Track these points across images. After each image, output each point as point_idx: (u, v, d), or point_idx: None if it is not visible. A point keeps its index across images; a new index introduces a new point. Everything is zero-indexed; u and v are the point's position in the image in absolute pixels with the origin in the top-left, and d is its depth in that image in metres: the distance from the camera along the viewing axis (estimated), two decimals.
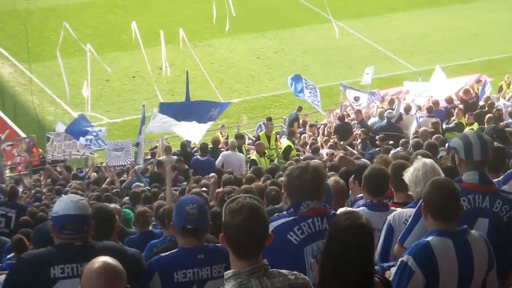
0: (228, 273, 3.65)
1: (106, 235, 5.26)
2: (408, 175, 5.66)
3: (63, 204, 4.68)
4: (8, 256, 8.58)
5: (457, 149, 5.26)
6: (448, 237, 4.31)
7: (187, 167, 18.04)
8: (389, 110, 20.62)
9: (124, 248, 5.12)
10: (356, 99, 24.93)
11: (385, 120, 19.94)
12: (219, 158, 17.87)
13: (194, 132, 16.88)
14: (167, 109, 16.61)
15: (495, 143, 7.01)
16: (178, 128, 16.15)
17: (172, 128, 16.38)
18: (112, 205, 9.38)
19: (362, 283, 3.86)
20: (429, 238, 4.31)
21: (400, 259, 4.36)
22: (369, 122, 21.35)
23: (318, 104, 23.92)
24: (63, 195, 15.37)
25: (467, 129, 16.34)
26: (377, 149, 16.42)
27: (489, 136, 8.74)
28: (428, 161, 5.70)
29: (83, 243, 4.63)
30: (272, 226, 4.19)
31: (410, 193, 5.80)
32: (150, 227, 9.39)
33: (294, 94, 24.88)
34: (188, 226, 4.76)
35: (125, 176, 20.04)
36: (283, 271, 3.71)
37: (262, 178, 11.88)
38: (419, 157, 5.92)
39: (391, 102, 22.66)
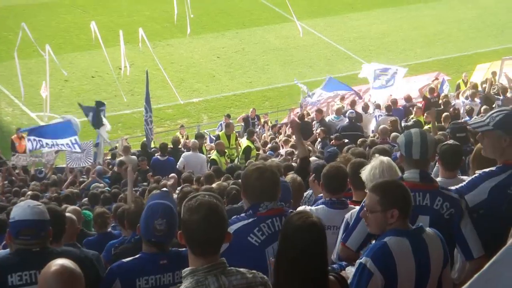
0: (185, 270, 3.64)
1: (57, 236, 5.22)
2: (365, 173, 5.69)
3: (19, 210, 4.63)
4: None
5: (399, 145, 5.33)
6: (405, 236, 4.31)
7: (147, 167, 18.01)
8: (351, 110, 20.69)
9: (83, 252, 5.07)
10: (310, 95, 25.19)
11: (347, 120, 19.99)
12: (181, 159, 17.82)
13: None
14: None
15: (452, 141, 7.09)
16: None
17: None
18: (72, 207, 9.31)
19: (317, 282, 3.89)
20: (386, 239, 4.29)
21: (358, 261, 4.34)
22: (326, 120, 21.37)
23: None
24: (21, 198, 15.23)
25: (426, 127, 16.46)
26: (335, 147, 16.50)
27: (451, 135, 8.86)
28: (385, 159, 5.73)
29: (41, 249, 4.58)
30: (231, 229, 4.18)
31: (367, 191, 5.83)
32: (109, 229, 9.32)
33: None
34: (153, 240, 4.74)
35: (84, 177, 19.87)
36: (241, 269, 3.70)
37: (222, 178, 11.85)
38: (376, 155, 5.94)
39: (353, 103, 22.74)
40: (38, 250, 4.55)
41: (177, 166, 17.56)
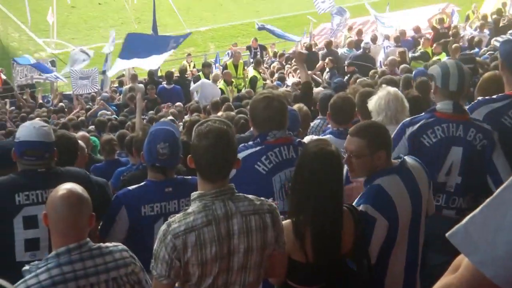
0: (194, 194, 3.66)
1: (69, 163, 5.24)
2: (371, 104, 5.68)
3: (25, 130, 4.64)
4: None
5: (434, 76, 5.25)
6: (395, 173, 4.29)
7: (156, 96, 18.00)
8: (366, 41, 20.55)
9: (89, 175, 5.10)
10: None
11: (361, 50, 19.85)
12: (197, 83, 17.77)
13: (152, 61, 16.94)
14: (132, 39, 16.62)
15: None
16: (135, 63, 16.21)
17: (130, 64, 16.48)
18: (81, 133, 9.35)
19: (331, 210, 3.93)
20: (378, 181, 4.26)
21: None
22: (338, 53, 21.23)
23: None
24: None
25: (434, 59, 16.36)
26: (345, 78, 16.47)
27: None
28: (392, 89, 5.72)
29: (47, 170, 4.61)
30: (239, 157, 4.21)
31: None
32: (116, 156, 9.37)
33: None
34: (157, 164, 4.76)
35: (91, 104, 19.88)
36: (250, 196, 3.71)
37: (223, 107, 11.79)
38: (383, 85, 5.93)
39: (359, 32, 22.58)
40: (43, 171, 4.58)
41: (190, 89, 17.54)
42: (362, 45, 20.02)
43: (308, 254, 3.93)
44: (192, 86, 17.76)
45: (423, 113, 5.25)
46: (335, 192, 3.96)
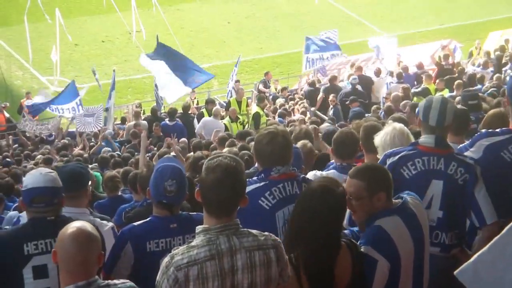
0: (198, 228, 3.68)
1: (80, 192, 5.23)
2: (377, 139, 5.69)
3: (32, 178, 4.61)
4: None
5: (418, 109, 5.28)
6: (395, 214, 4.29)
7: (161, 134, 18.00)
8: (354, 77, 20.67)
9: (96, 223, 5.09)
10: (323, 70, 24.97)
11: (350, 86, 19.99)
12: (200, 124, 17.85)
13: (169, 91, 17.04)
14: (161, 50, 16.99)
15: (459, 106, 7.07)
16: (161, 78, 16.33)
17: (158, 74, 16.66)
18: None
19: (329, 247, 3.92)
20: (379, 222, 4.25)
21: (353, 232, 4.38)
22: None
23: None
24: (31, 162, 15.27)
25: (437, 95, 16.41)
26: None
27: (462, 102, 8.83)
28: (398, 125, 5.72)
29: (56, 218, 4.57)
30: None
31: (379, 156, 5.83)
32: (119, 192, 9.34)
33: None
34: (164, 201, 4.74)
35: (93, 141, 19.90)
36: (254, 231, 3.72)
37: (227, 143, 11.78)
38: (390, 121, 5.93)
39: (359, 69, 22.68)
40: (53, 219, 4.54)
41: (196, 131, 17.61)
42: (350, 80, 20.21)
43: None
44: (196, 127, 17.80)
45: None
46: (333, 231, 3.98)
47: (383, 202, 4.30)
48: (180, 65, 18.28)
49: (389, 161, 5.07)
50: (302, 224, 3.95)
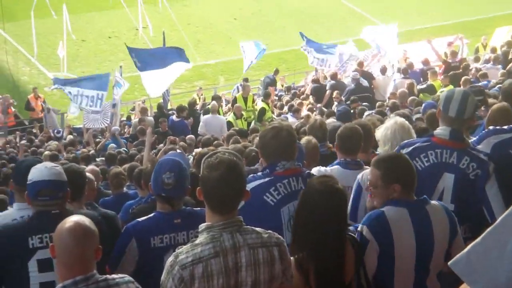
0: (202, 225, 3.68)
1: (77, 196, 5.29)
2: (378, 133, 5.71)
3: (37, 171, 4.62)
4: None
5: (440, 99, 5.26)
6: (404, 207, 4.31)
7: (167, 129, 18.05)
8: (354, 72, 20.67)
9: (101, 212, 5.10)
10: (323, 61, 24.82)
11: (354, 83, 19.97)
12: (200, 124, 17.87)
13: (155, 85, 17.27)
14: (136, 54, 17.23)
15: None
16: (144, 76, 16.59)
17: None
18: (91, 167, 9.36)
19: (334, 244, 3.94)
20: (385, 208, 4.31)
21: (357, 229, 4.40)
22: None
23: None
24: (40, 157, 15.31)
25: (441, 90, 16.40)
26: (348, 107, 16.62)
27: None
28: (399, 120, 5.73)
29: (61, 211, 4.58)
30: (247, 187, 4.20)
31: (380, 150, 5.86)
32: (125, 189, 9.37)
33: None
34: (162, 194, 4.76)
35: (100, 137, 19.93)
36: (257, 229, 3.72)
37: (231, 140, 11.80)
38: (392, 115, 5.94)
39: (360, 64, 22.56)
40: (57, 212, 4.54)
41: (199, 131, 17.59)
42: (352, 76, 20.21)
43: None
44: (199, 128, 17.81)
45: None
46: (338, 229, 4.00)
47: (399, 193, 4.33)
48: (157, 58, 18.71)
49: (403, 152, 5.07)
50: (308, 224, 3.97)
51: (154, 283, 4.00)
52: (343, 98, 18.94)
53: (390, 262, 4.26)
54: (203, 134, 16.81)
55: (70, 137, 20.67)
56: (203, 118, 18.24)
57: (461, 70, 19.42)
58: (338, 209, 3.98)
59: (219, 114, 19.23)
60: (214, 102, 19.39)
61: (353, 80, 20.06)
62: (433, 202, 4.46)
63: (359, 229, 4.27)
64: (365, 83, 20.14)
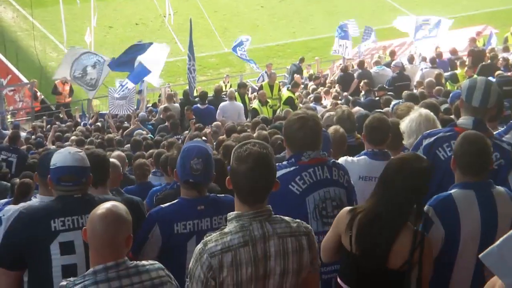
0: (231, 214, 3.66)
1: (101, 181, 5.31)
2: (403, 125, 5.68)
3: (60, 156, 4.63)
4: (5, 201, 8.48)
5: (462, 89, 5.21)
6: (472, 189, 4.27)
7: (194, 117, 18.06)
8: (396, 61, 20.59)
9: (126, 198, 5.10)
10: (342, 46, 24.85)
11: (396, 72, 19.83)
12: (218, 111, 17.87)
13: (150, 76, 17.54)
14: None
15: None
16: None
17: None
18: (117, 152, 9.41)
19: (393, 216, 4.05)
20: (453, 191, 4.28)
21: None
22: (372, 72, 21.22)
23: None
24: (65, 143, 15.42)
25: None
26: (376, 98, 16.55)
27: (498, 87, 8.74)
28: (424, 111, 5.68)
29: (83, 195, 4.60)
30: None
31: (404, 142, 5.82)
32: (148, 179, 9.41)
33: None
34: (190, 180, 4.74)
35: (127, 124, 20.00)
36: (286, 218, 3.70)
37: (257, 128, 11.79)
38: (416, 107, 5.89)
39: (392, 53, 22.52)
40: (80, 196, 4.57)
41: (216, 117, 17.60)
42: (394, 64, 20.11)
43: (353, 243, 4.08)
44: (217, 115, 17.81)
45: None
46: (401, 201, 4.03)
47: (462, 174, 4.37)
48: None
49: (425, 142, 5.06)
50: (387, 192, 4.09)
51: (176, 269, 4.03)
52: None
53: (454, 246, 4.24)
54: (222, 120, 16.83)
55: (97, 124, 20.77)
56: (221, 105, 18.23)
57: (489, 61, 19.24)
58: (409, 183, 4.02)
59: (244, 101, 19.19)
60: (232, 89, 19.40)
61: (395, 68, 19.91)
62: (499, 187, 4.42)
63: (425, 209, 4.23)
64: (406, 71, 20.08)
